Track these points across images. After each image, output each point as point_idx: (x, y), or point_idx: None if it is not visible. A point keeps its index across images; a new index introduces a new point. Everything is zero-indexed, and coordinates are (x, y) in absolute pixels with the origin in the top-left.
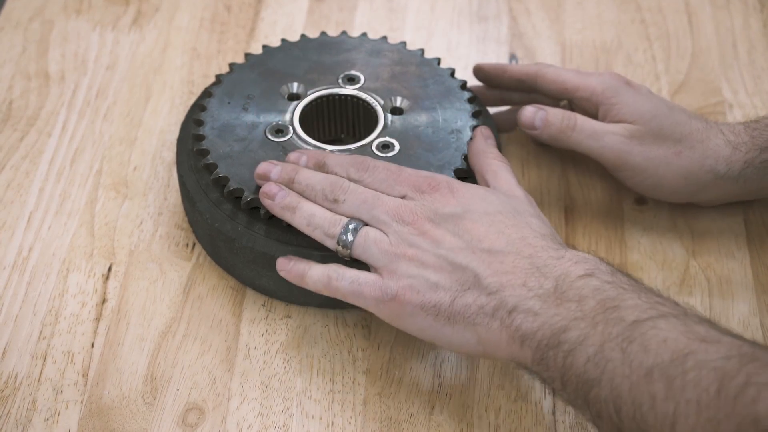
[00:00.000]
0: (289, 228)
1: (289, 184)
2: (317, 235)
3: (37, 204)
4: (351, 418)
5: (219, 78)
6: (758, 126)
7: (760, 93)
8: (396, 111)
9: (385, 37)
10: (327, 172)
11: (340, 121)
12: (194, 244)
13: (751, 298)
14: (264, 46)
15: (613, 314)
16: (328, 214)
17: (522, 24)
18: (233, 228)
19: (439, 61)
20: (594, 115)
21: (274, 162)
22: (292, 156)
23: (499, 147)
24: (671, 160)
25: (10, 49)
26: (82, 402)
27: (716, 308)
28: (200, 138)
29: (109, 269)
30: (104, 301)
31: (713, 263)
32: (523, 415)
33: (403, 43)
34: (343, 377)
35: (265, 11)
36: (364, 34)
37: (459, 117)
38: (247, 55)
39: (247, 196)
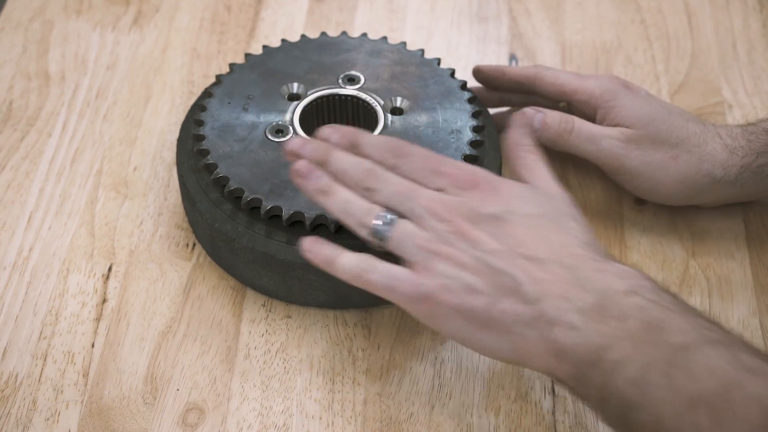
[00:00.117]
0: (290, 228)
1: (322, 165)
2: (351, 223)
3: (37, 204)
4: (351, 418)
5: (219, 78)
6: (756, 130)
7: (759, 93)
8: (396, 111)
9: (385, 38)
10: (361, 153)
11: (340, 121)
12: (194, 244)
13: (750, 299)
14: (264, 47)
15: (658, 336)
16: (363, 202)
17: (522, 24)
18: (233, 228)
19: (439, 61)
20: (592, 118)
21: (307, 138)
22: (325, 131)
23: (499, 147)
24: (668, 164)
25: (10, 49)
26: (82, 402)
27: (716, 308)
28: (200, 138)
29: (110, 269)
30: (104, 301)
31: (713, 263)
32: (523, 415)
33: (403, 44)
34: (343, 377)
35: (265, 11)
36: (364, 35)
37: (459, 117)
38: (248, 56)
39: (248, 196)
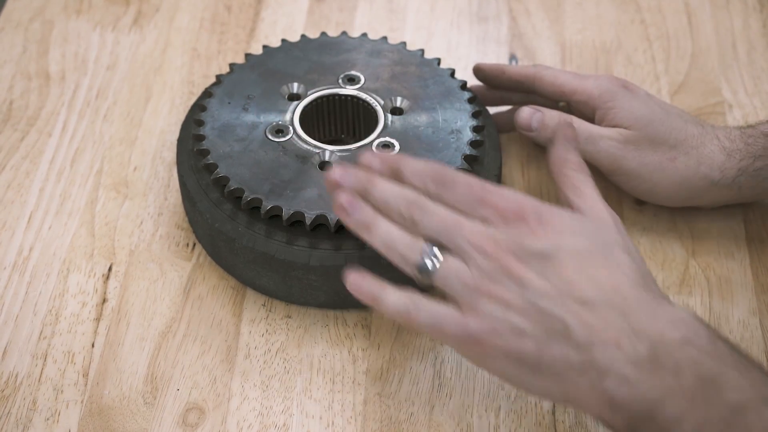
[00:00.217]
0: (290, 228)
1: (363, 196)
2: (394, 258)
3: (37, 204)
4: (351, 418)
5: (219, 78)
6: (754, 133)
7: (759, 93)
8: (396, 111)
9: (385, 38)
10: (403, 181)
11: (340, 121)
12: (194, 244)
13: (750, 298)
14: (264, 47)
15: (714, 394)
16: (407, 237)
17: (522, 24)
18: (233, 228)
19: (439, 61)
20: (591, 119)
21: (347, 167)
22: (365, 158)
23: (499, 147)
24: (666, 166)
25: (10, 49)
26: (82, 402)
27: (716, 308)
28: (200, 138)
29: (110, 269)
30: (104, 301)
31: (713, 263)
32: (523, 415)
33: (403, 44)
34: (343, 377)
35: (265, 11)
36: (365, 35)
37: (459, 117)
38: (248, 56)
39: (248, 196)
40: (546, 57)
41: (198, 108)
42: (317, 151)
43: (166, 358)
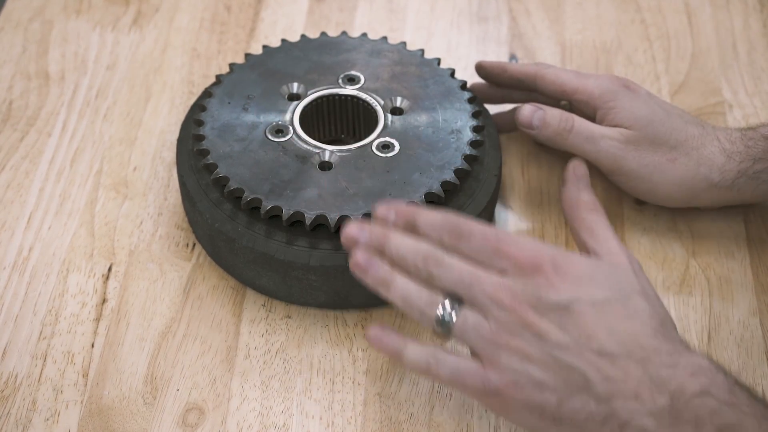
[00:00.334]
0: (290, 228)
1: (380, 251)
2: (413, 314)
3: (37, 204)
4: (351, 418)
5: (219, 78)
6: (754, 135)
7: (759, 93)
8: (396, 111)
9: (385, 38)
10: (418, 233)
11: (340, 121)
12: (194, 244)
13: (751, 298)
14: (264, 47)
15: None
16: (424, 292)
17: (522, 24)
18: (233, 228)
19: (439, 61)
20: (592, 118)
21: (362, 224)
22: (381, 210)
23: (499, 147)
24: (666, 167)
25: (10, 49)
26: (82, 402)
27: (716, 308)
28: (200, 138)
29: (109, 269)
30: (104, 301)
31: (713, 263)
32: None
33: (403, 44)
34: (343, 377)
35: (265, 11)
36: (364, 35)
37: (459, 117)
38: (247, 56)
39: (248, 196)
40: (546, 57)
41: (198, 108)
42: (317, 151)
43: (166, 359)
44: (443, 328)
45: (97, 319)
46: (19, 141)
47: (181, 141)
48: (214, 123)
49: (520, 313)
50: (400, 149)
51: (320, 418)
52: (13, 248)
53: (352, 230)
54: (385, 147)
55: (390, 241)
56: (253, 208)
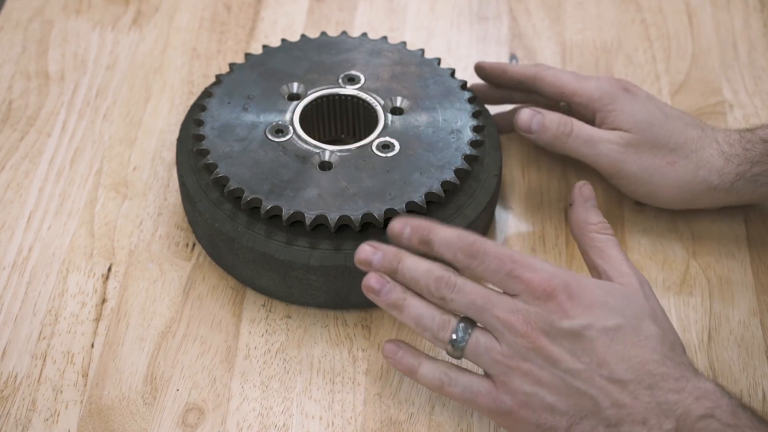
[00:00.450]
0: (290, 228)
1: (392, 274)
2: (425, 335)
3: (36, 204)
4: (351, 418)
5: (219, 78)
6: (752, 138)
7: (760, 93)
8: (396, 111)
9: (385, 37)
10: (433, 251)
11: (340, 121)
12: (194, 244)
13: (751, 298)
14: (264, 46)
15: None
16: (437, 315)
17: (522, 24)
18: (233, 228)
19: (439, 61)
20: (591, 121)
21: (375, 245)
22: (395, 227)
23: (499, 147)
24: (665, 170)
25: (9, 49)
26: (81, 402)
27: (716, 308)
28: (200, 138)
29: (109, 269)
30: (104, 301)
31: (713, 263)
32: None
33: (403, 43)
34: (343, 377)
35: (265, 11)
36: (365, 34)
37: (459, 117)
38: (247, 55)
39: (247, 196)
40: (546, 57)
41: (198, 108)
42: (317, 151)
43: (166, 359)
44: (455, 350)
45: (97, 319)
46: (18, 141)
47: (181, 141)
48: (214, 123)
49: (532, 338)
50: (400, 149)
51: (320, 418)
52: (13, 248)
53: (364, 253)
54: (385, 147)
55: (403, 264)
56: (253, 208)
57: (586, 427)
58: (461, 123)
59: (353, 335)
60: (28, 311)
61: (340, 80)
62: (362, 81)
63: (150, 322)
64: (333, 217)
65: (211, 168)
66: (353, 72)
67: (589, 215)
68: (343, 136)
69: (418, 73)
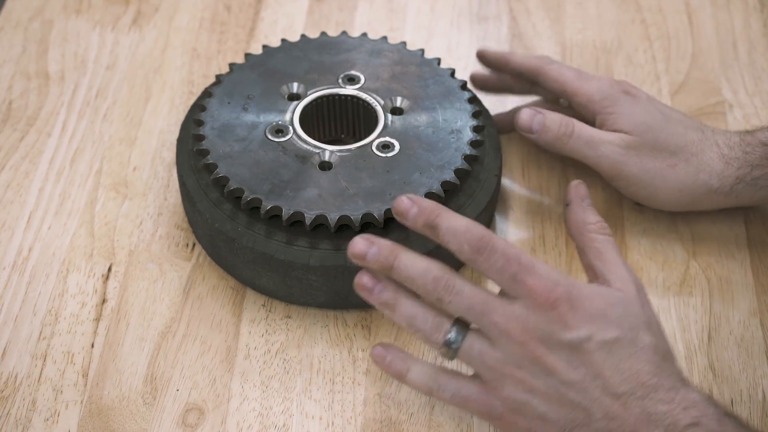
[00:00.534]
0: (290, 228)
1: (388, 271)
2: (418, 336)
3: (36, 204)
4: (351, 418)
5: (219, 78)
6: (752, 141)
7: (760, 93)
8: (396, 111)
9: (385, 38)
10: (437, 238)
11: (340, 121)
12: (194, 244)
13: (751, 299)
14: (264, 46)
15: None
16: (430, 316)
17: (522, 24)
18: (233, 228)
19: (439, 61)
20: (591, 121)
21: (370, 238)
22: (403, 204)
23: (499, 147)
24: (666, 173)
25: (9, 49)
26: (82, 402)
27: (716, 308)
28: (200, 138)
29: (109, 269)
30: (104, 301)
31: (713, 264)
32: None
33: (403, 44)
34: (343, 377)
35: (265, 11)
36: (364, 34)
37: (459, 117)
38: (247, 55)
39: (247, 196)
40: None
41: (198, 108)
42: (317, 151)
43: (166, 359)
44: (449, 353)
45: (97, 319)
46: (18, 141)
47: (181, 141)
48: (214, 123)
49: (530, 347)
50: (400, 149)
51: (320, 418)
52: (13, 248)
53: (359, 246)
54: (385, 147)
55: (399, 261)
56: (253, 208)
57: None
58: (461, 123)
59: (353, 335)
60: (28, 311)
61: (340, 80)
62: (362, 81)
63: (150, 322)
64: (333, 217)
65: (211, 168)
66: (353, 72)
67: (587, 215)
68: (343, 136)
69: (418, 73)
